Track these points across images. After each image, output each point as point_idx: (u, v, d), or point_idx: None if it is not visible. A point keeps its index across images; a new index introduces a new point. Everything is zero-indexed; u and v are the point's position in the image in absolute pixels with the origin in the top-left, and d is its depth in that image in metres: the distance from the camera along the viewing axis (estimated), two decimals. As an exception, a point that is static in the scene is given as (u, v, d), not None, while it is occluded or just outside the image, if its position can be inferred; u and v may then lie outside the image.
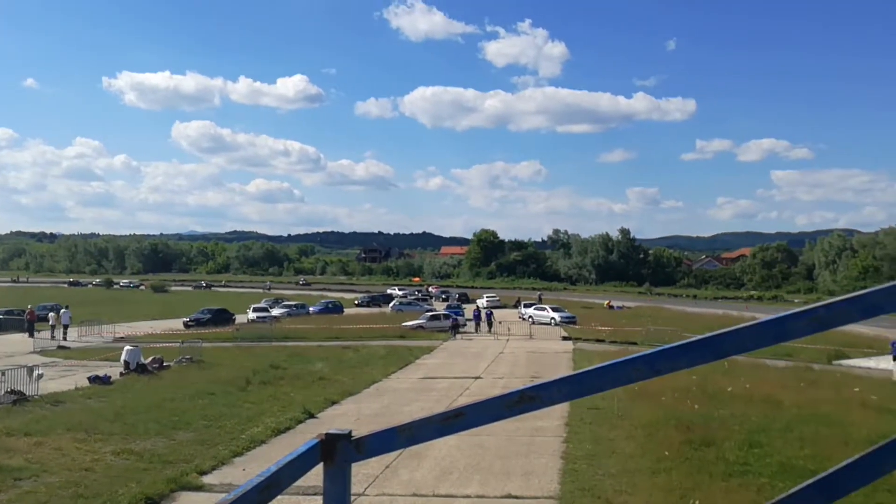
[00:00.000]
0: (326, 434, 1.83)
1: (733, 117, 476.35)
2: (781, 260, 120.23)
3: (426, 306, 64.05)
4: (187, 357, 27.29)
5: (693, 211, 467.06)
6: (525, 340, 40.05)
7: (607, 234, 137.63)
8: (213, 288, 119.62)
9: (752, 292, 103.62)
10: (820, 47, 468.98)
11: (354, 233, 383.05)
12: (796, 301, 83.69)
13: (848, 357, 35.77)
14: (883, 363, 31.83)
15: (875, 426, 14.76)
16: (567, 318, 52.63)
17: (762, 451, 13.14)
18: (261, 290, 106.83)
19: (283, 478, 1.71)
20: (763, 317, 1.68)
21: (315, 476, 1.91)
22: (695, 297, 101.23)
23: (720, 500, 10.11)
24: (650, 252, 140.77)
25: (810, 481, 1.65)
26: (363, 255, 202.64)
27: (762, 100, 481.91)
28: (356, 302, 76.63)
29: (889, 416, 16.56)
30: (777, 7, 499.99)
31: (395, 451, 1.86)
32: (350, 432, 1.83)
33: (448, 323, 46.59)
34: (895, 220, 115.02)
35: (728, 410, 17.05)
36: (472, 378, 24.40)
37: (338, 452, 1.80)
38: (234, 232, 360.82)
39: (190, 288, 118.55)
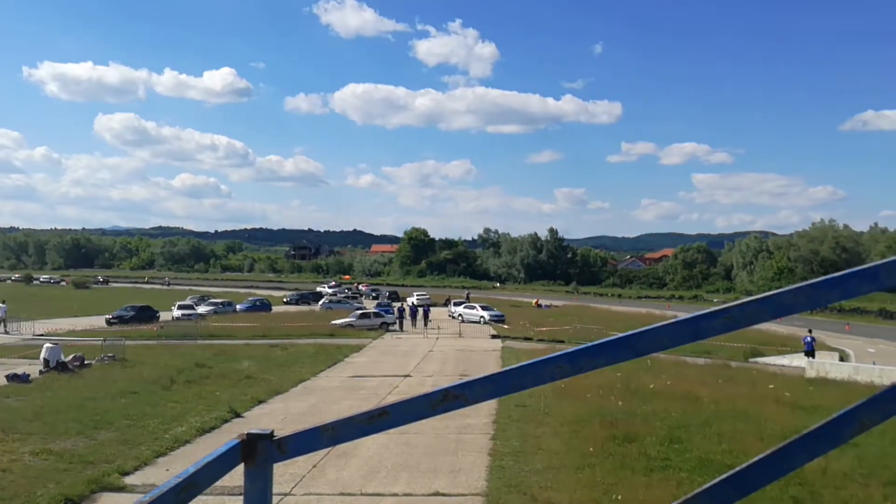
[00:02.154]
0: (247, 434, 1.80)
1: (657, 121, 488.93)
2: (702, 260, 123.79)
3: (356, 304, 63.75)
4: (110, 355, 26.48)
5: (618, 212, 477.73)
6: (454, 339, 40.20)
7: (536, 234, 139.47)
8: (110, 283, 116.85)
9: (674, 292, 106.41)
10: (738, 55, 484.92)
11: (283, 230, 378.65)
12: (715, 300, 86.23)
13: (763, 355, 37.17)
14: (796, 361, 33.14)
15: (788, 422, 15.36)
16: (496, 316, 53.06)
17: (682, 447, 13.51)
18: (160, 287, 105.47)
19: (201, 478, 1.68)
20: (682, 316, 1.72)
21: (240, 476, 1.87)
22: (620, 296, 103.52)
23: (641, 495, 10.34)
24: (577, 252, 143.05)
25: (725, 476, 1.70)
26: (292, 253, 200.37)
27: (684, 104, 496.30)
28: (285, 300, 75.81)
29: (801, 413, 17.23)
30: (695, 18, 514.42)
31: (318, 450, 1.83)
32: (272, 432, 1.80)
33: (378, 321, 46.80)
34: (808, 223, 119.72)
35: (650, 407, 17.48)
36: (402, 376, 24.37)
37: (259, 452, 1.77)
38: (159, 227, 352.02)
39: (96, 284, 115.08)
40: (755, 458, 1.69)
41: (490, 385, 1.74)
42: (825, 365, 29.97)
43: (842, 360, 35.63)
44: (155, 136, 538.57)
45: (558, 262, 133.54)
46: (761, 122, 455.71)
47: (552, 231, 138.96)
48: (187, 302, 60.12)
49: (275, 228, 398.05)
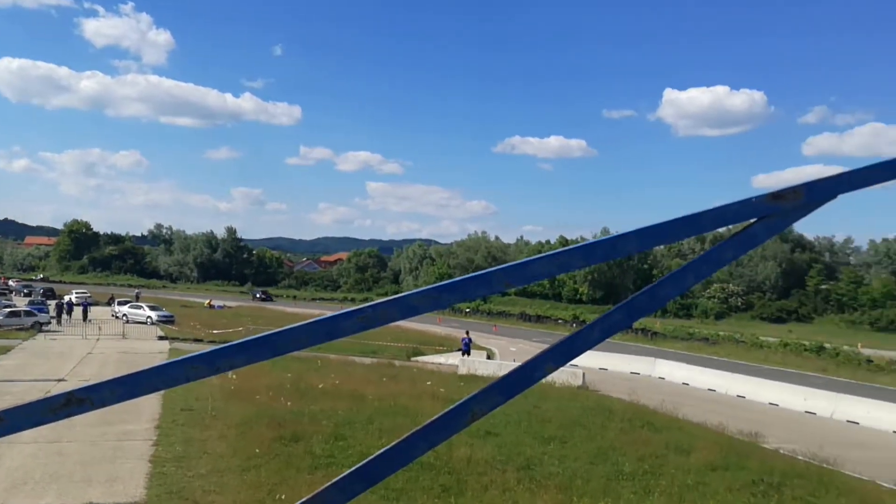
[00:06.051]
0: None
1: (334, 128, 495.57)
2: (373, 265, 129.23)
3: (4, 301, 56.66)
4: None
5: (296, 214, 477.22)
6: (118, 340, 37.66)
7: (212, 232, 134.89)
8: None
9: (347, 294, 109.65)
10: (405, 73, 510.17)
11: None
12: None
13: (424, 354, 39.85)
14: (451, 359, 36.01)
15: (442, 415, 16.63)
16: (165, 317, 50.61)
17: (346, 444, 14.06)
18: None
19: None
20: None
21: None
22: (295, 297, 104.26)
23: (305, 493, 10.41)
24: (254, 252, 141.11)
25: (352, 469, 1.80)
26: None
27: (359, 114, 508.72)
28: None
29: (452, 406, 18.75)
30: (366, 37, 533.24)
31: None
32: None
33: (30, 320, 42.09)
34: (466, 234, 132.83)
35: (318, 406, 17.88)
36: (55, 381, 22.20)
37: None
38: None
39: None
40: (380, 451, 1.80)
41: (120, 387, 1.66)
42: (474, 363, 33.06)
43: (489, 358, 39.21)
44: None
45: (234, 262, 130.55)
46: (428, 138, 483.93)
47: (230, 230, 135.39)
48: None
49: None
